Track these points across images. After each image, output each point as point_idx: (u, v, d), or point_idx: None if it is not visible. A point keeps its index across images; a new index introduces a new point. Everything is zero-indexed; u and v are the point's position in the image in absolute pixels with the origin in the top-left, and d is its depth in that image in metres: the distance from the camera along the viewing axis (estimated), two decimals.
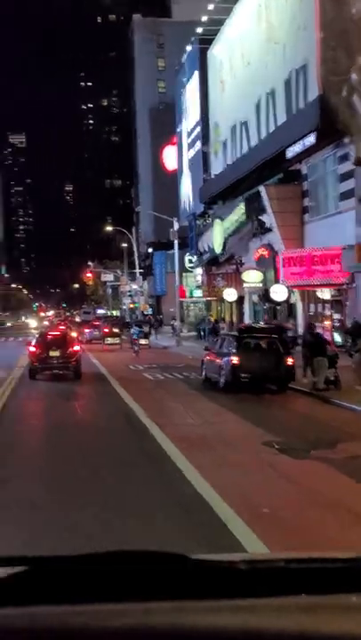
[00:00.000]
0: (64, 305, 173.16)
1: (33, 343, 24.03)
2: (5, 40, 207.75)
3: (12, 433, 13.08)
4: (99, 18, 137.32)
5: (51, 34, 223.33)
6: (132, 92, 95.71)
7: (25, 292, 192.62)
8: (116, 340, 41.55)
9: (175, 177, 63.72)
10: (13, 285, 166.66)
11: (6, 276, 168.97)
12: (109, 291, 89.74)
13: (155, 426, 12.94)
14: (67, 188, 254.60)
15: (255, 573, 1.64)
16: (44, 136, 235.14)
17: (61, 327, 35.75)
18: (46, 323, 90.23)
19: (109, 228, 71.16)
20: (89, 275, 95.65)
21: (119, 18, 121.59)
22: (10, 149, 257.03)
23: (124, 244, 74.26)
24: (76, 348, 23.98)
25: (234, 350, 18.95)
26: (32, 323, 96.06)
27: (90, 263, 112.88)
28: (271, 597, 1.50)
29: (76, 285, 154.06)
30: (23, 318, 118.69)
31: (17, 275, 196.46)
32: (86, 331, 47.29)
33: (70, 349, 23.27)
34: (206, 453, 10.44)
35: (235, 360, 18.50)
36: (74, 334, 28.37)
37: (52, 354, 22.84)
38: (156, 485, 8.67)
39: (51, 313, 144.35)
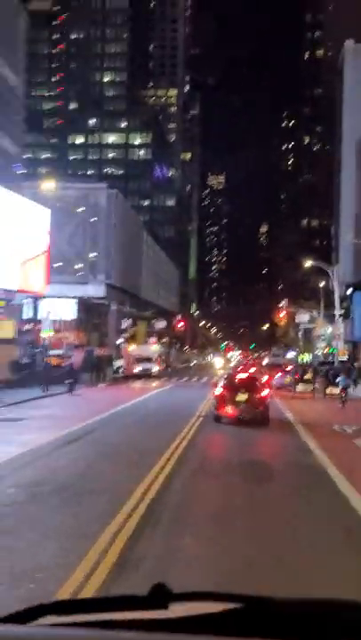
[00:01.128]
0: (252, 346, 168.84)
1: (220, 385, 23.12)
2: (210, 85, 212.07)
3: (162, 560, 7.65)
4: (306, 54, 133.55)
5: (255, 71, 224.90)
6: (338, 124, 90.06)
7: (214, 330, 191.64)
8: (308, 388, 37.24)
9: None
10: (202, 324, 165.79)
11: (196, 313, 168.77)
12: (301, 332, 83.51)
13: None
14: (261, 230, 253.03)
15: None
16: (243, 177, 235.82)
17: (251, 370, 32.99)
18: (233, 364, 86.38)
19: (309, 264, 65.50)
20: (282, 314, 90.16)
21: (327, 51, 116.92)
22: (207, 190, 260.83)
23: (321, 284, 68.26)
24: (265, 393, 22.76)
25: None
26: (217, 362, 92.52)
27: (281, 304, 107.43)
28: None
29: (266, 326, 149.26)
30: (209, 357, 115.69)
31: (207, 313, 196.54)
32: (276, 376, 41.63)
33: (258, 395, 22.07)
34: None
35: None
36: (264, 378, 26.87)
37: (238, 398, 21.61)
38: None
39: (238, 353, 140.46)
